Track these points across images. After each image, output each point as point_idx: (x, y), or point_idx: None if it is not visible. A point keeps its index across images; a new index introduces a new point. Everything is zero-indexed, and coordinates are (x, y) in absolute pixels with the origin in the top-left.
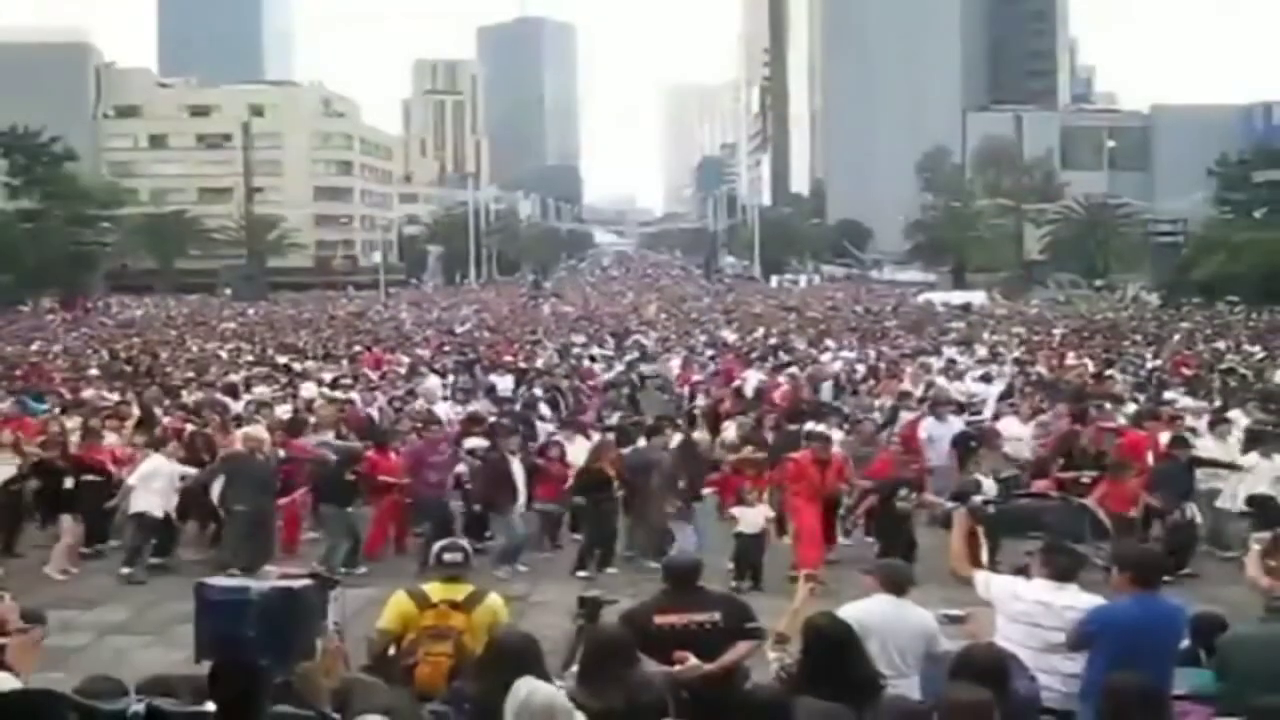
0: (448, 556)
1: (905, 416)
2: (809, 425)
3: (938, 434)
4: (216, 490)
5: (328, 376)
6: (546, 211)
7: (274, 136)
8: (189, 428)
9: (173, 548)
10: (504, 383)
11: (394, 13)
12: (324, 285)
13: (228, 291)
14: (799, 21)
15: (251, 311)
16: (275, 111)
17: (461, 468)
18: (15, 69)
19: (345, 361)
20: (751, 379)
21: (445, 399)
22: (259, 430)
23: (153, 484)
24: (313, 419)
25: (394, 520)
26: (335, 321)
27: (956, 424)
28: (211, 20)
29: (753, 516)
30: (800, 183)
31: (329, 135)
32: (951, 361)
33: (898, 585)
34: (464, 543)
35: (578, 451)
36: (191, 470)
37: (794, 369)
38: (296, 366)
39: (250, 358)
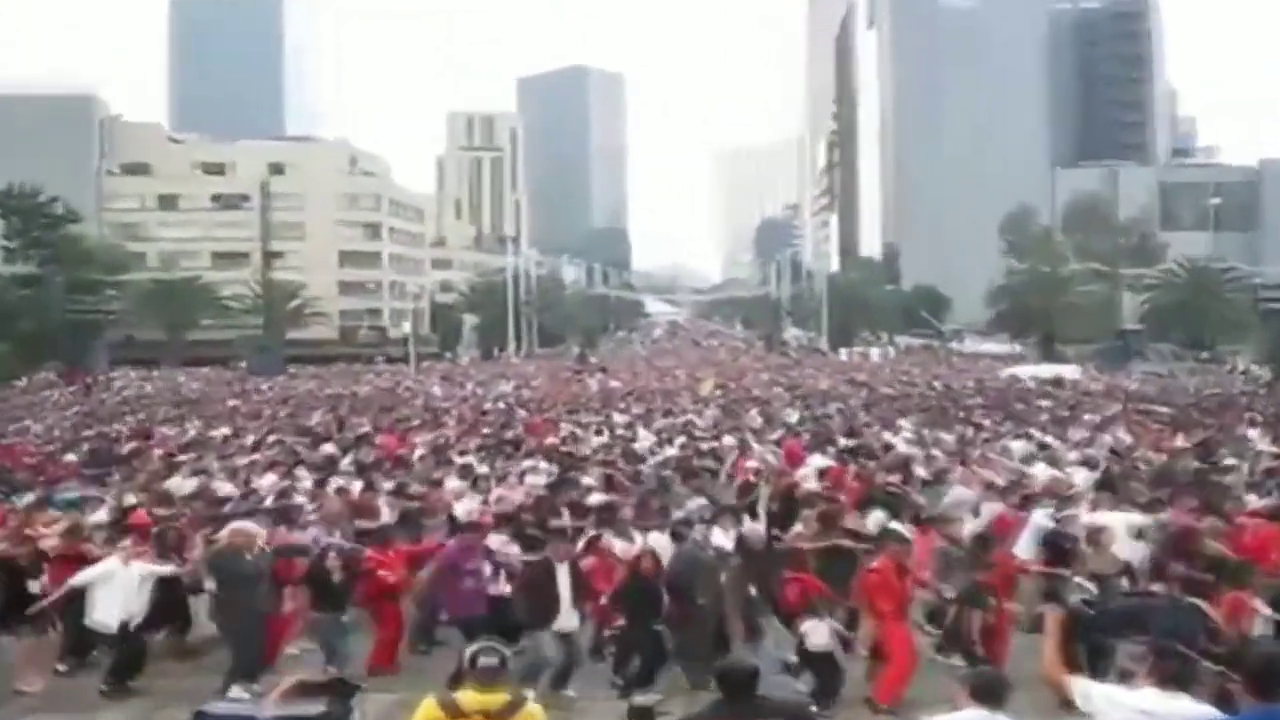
0: (483, 660)
1: (987, 509)
2: (878, 517)
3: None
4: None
5: (344, 462)
6: (592, 277)
7: (295, 197)
8: (160, 521)
9: (142, 662)
10: (540, 470)
11: (427, 62)
12: (349, 358)
13: (243, 365)
14: (869, 71)
15: (267, 387)
16: (296, 170)
17: (487, 569)
18: (13, 124)
19: (354, 445)
20: (815, 465)
21: (474, 490)
22: (250, 525)
23: (106, 589)
24: (312, 512)
25: (397, 629)
26: (358, 399)
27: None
28: (228, 73)
29: (823, 631)
30: (871, 246)
31: (355, 196)
32: (1043, 445)
33: (995, 696)
34: (501, 647)
35: (627, 550)
36: (163, 569)
37: (863, 458)
38: (303, 451)
39: (253, 439)
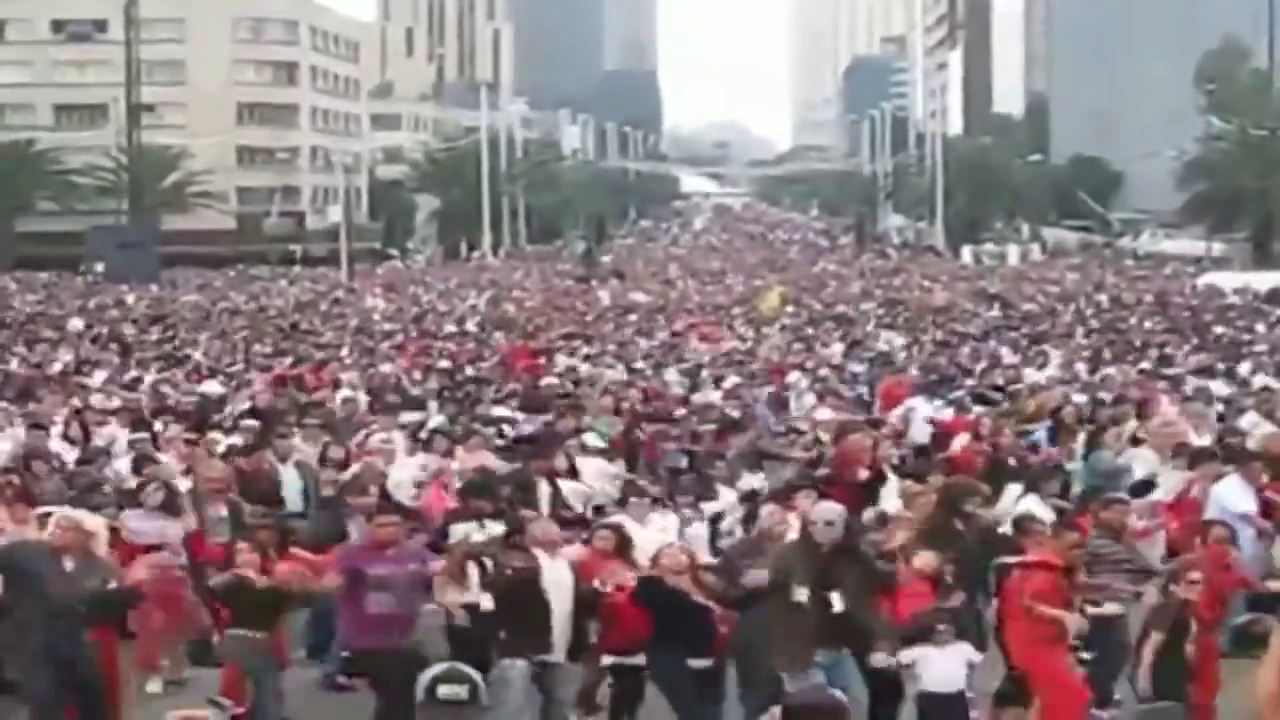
0: (445, 690)
1: (1173, 480)
2: (1016, 497)
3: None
4: None
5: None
6: (605, 142)
7: (174, 24)
8: None
9: None
10: (523, 423)
11: None
12: (251, 258)
13: (99, 267)
14: None
15: (134, 299)
16: None
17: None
18: None
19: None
20: (921, 413)
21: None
22: (83, 517)
23: None
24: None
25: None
26: (263, 316)
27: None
28: None
29: (946, 664)
30: (1009, 99)
31: (261, 22)
32: (1267, 389)
33: None
34: (470, 672)
35: (647, 541)
36: None
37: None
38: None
39: (105, 374)
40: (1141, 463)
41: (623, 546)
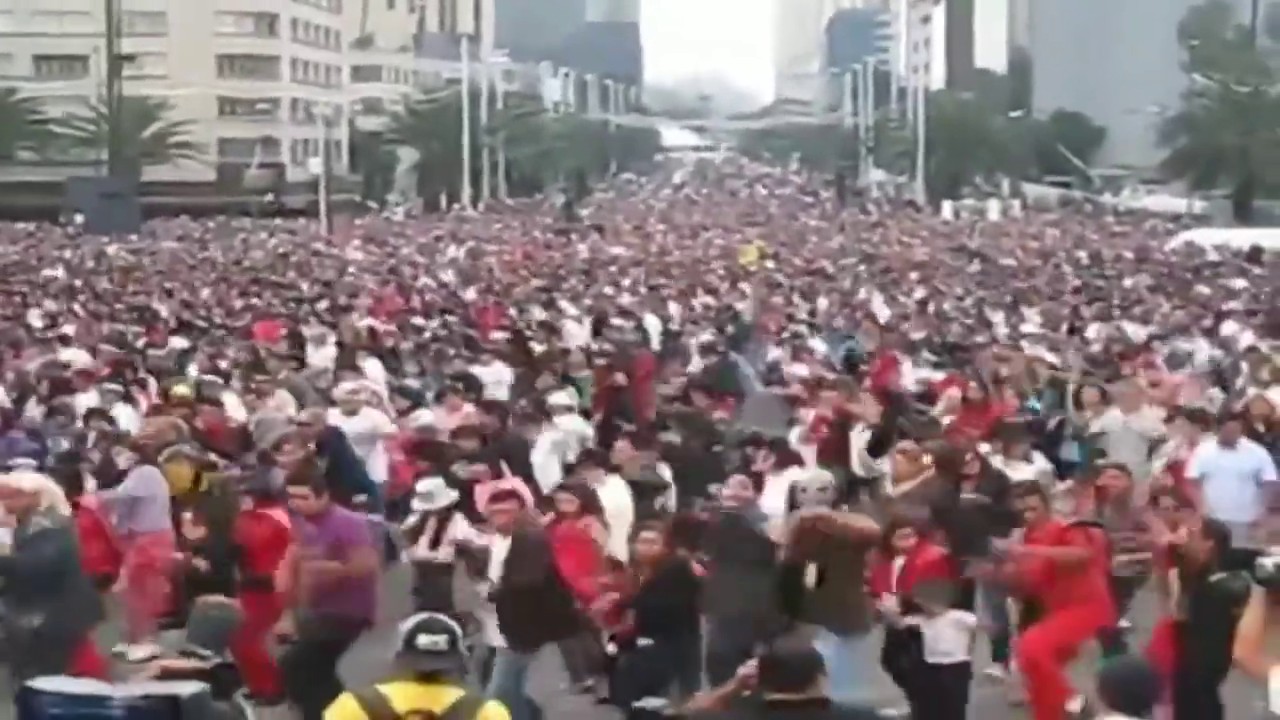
0: (424, 640)
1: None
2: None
3: (1221, 469)
4: None
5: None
6: (586, 94)
7: None
8: None
9: None
10: (494, 375)
11: None
12: (232, 210)
13: (78, 218)
14: None
15: (114, 250)
16: None
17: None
18: None
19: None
20: (909, 375)
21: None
22: (18, 479)
23: None
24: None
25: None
26: (242, 268)
27: (1254, 455)
28: None
29: (944, 631)
30: (992, 54)
31: None
32: (1252, 350)
33: (1139, 701)
34: (450, 622)
35: (614, 500)
36: None
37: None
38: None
39: (73, 328)
40: (1142, 425)
41: (588, 505)
